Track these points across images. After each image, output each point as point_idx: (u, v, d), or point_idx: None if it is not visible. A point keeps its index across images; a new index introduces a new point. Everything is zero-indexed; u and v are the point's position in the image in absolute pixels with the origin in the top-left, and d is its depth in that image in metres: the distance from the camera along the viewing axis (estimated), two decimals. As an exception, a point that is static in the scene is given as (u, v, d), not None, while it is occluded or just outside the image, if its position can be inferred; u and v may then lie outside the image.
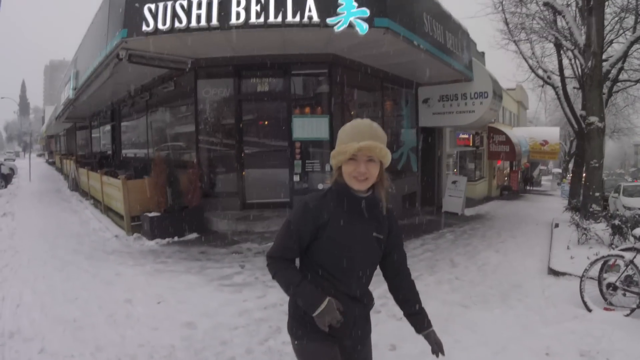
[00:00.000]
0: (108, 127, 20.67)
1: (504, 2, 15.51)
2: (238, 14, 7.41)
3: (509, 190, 26.50)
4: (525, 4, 15.23)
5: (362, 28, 7.26)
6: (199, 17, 7.51)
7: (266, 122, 10.46)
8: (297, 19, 7.35)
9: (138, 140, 16.22)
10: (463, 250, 8.84)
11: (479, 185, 22.43)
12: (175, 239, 8.88)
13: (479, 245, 9.46)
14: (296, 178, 9.80)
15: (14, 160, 41.35)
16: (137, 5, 7.80)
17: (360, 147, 1.91)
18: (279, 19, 7.37)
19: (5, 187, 20.66)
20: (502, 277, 7.00)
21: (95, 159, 19.85)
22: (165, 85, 11.55)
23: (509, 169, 29.67)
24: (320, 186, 9.68)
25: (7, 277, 6.69)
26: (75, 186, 18.49)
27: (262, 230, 8.99)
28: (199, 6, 7.52)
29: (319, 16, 7.30)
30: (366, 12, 7.27)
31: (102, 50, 9.80)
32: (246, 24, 7.45)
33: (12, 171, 24.78)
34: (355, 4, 7.27)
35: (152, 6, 7.67)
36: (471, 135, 19.82)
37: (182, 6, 7.56)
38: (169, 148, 12.73)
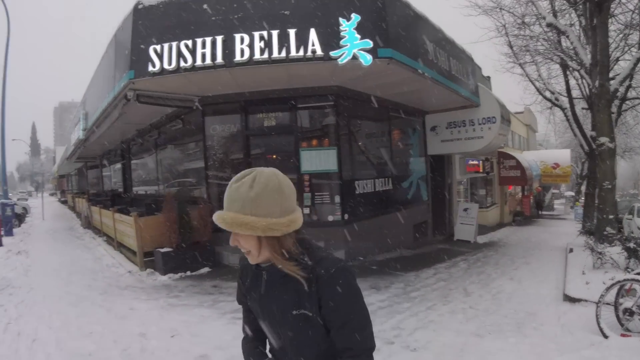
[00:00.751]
0: (119, 166, 20.98)
1: (506, 26, 15.62)
2: (242, 51, 7.61)
3: (522, 216, 26.23)
4: (528, 26, 15.28)
5: (366, 59, 7.40)
6: (203, 55, 7.73)
7: (274, 156, 10.51)
8: (301, 53, 7.51)
9: (148, 177, 16.46)
10: (477, 279, 8.79)
11: (491, 212, 22.29)
12: (188, 273, 8.97)
13: (493, 273, 9.39)
14: (306, 210, 9.77)
15: (26, 199, 41.87)
16: (142, 46, 8.04)
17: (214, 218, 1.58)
18: (283, 54, 7.53)
19: (19, 226, 21.00)
20: (517, 305, 6.95)
21: (106, 197, 20.15)
22: (174, 123, 11.71)
23: (520, 194, 29.49)
24: (330, 218, 9.75)
25: (22, 314, 6.83)
26: (88, 224, 18.82)
27: None
28: (204, 45, 7.74)
29: (323, 50, 7.46)
30: (369, 43, 7.41)
31: (110, 92, 10.04)
32: (250, 61, 7.62)
33: (26, 210, 25.23)
34: (358, 36, 7.42)
35: (158, 47, 7.92)
36: (481, 162, 19.82)
37: (187, 46, 7.79)
38: (179, 184, 12.90)
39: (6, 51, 18.53)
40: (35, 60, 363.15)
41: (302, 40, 7.51)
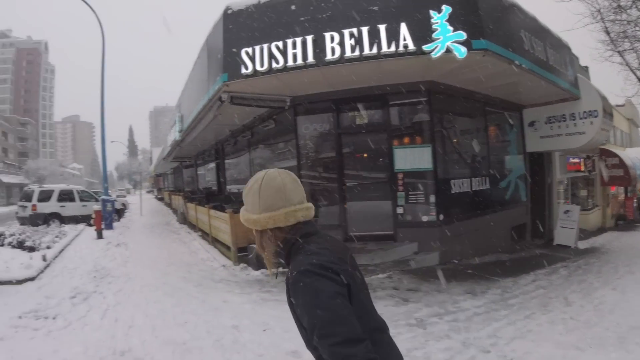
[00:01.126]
0: (212, 165, 21.87)
1: (601, 10, 14.52)
2: (333, 50, 7.62)
3: (624, 220, 24.52)
4: (624, 9, 14.11)
5: (460, 52, 7.13)
6: (295, 56, 7.83)
7: (366, 155, 10.39)
8: (393, 48, 7.37)
9: (240, 176, 17.02)
10: (577, 288, 8.13)
11: (593, 215, 20.78)
12: (280, 269, 9.09)
13: (595, 282, 8.65)
14: (399, 210, 9.59)
15: (125, 196, 44.67)
16: (234, 50, 8.29)
17: None
18: (374, 50, 7.44)
19: (119, 220, 22.72)
20: (620, 317, 6.34)
21: (201, 195, 21.10)
22: (266, 123, 11.90)
23: (623, 195, 27.52)
24: (424, 218, 9.49)
25: (120, 301, 7.26)
26: (184, 219, 19.87)
27: (366, 263, 8.74)
28: (294, 45, 7.85)
29: (415, 44, 7.29)
30: (462, 35, 7.14)
31: (204, 95, 10.45)
32: (342, 59, 7.61)
33: (124, 206, 27.20)
34: (451, 28, 7.17)
35: (249, 50, 8.14)
36: (582, 160, 18.76)
37: (277, 47, 7.94)
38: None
39: (102, 60, 19.86)
40: (131, 67, 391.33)
41: (393, 35, 7.37)
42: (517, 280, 8.45)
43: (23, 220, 19.89)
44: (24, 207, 20.42)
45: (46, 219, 19.73)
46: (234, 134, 15.73)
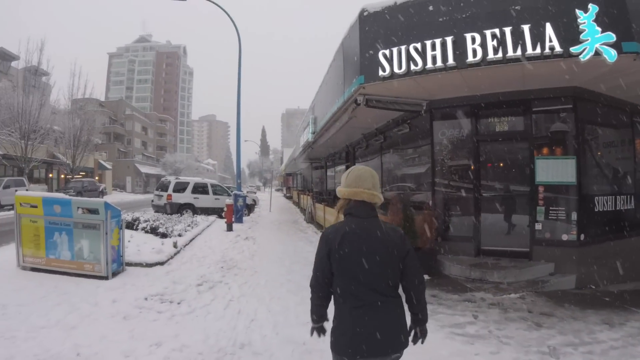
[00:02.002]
0: (342, 167, 22.38)
1: None
2: (474, 51, 7.55)
3: None
4: None
5: (611, 55, 6.70)
6: (434, 58, 7.88)
7: (503, 164, 10.08)
8: (538, 50, 7.13)
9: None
10: None
11: None
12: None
13: None
14: (538, 226, 9.11)
15: (255, 193, 47.08)
16: (371, 52, 8.53)
17: None
18: (518, 52, 7.26)
19: (249, 215, 24.34)
20: None
21: (329, 196, 21.68)
22: (400, 127, 11.96)
23: None
24: (564, 237, 8.91)
25: (245, 293, 7.76)
26: (311, 219, 20.70)
27: (498, 281, 8.53)
28: (433, 47, 7.91)
29: (561, 46, 7.00)
30: (612, 36, 6.71)
31: (339, 97, 10.82)
32: (483, 61, 7.52)
33: (254, 202, 28.88)
34: (599, 29, 6.78)
35: (387, 52, 8.34)
36: None
37: (416, 49, 8.05)
38: (399, 188, 13.27)
39: (239, 67, 21.12)
40: (265, 72, 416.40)
41: (537, 37, 7.14)
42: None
43: (158, 208, 22.08)
44: (160, 196, 22.58)
45: (180, 208, 21.63)
46: (366, 138, 16.03)
